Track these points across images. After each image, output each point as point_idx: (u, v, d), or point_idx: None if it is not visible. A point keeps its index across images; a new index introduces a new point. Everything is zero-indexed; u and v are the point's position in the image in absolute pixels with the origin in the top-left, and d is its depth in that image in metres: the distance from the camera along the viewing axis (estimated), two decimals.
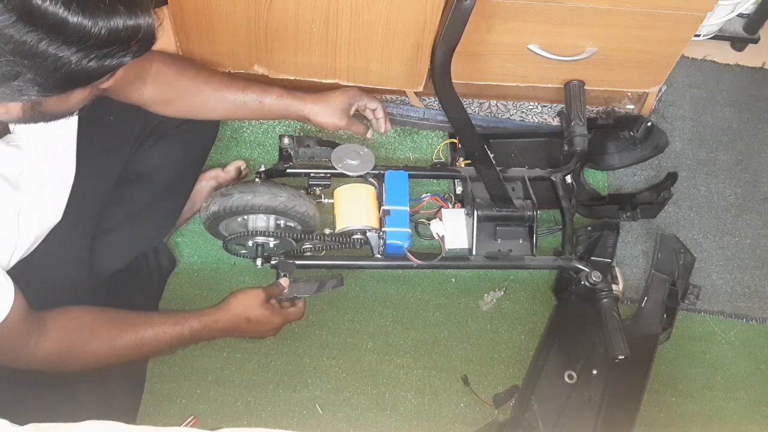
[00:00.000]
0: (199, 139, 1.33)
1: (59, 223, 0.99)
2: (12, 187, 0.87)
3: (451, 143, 1.55)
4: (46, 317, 0.95)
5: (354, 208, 1.31)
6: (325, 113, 1.27)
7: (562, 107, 1.54)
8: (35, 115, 0.75)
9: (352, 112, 1.32)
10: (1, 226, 0.87)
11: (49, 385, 1.02)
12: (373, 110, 1.35)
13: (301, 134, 1.49)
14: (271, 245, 1.31)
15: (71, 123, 0.97)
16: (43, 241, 0.97)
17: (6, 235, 0.87)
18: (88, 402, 1.06)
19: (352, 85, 1.48)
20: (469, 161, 1.41)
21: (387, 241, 1.28)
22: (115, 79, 0.76)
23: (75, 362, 0.99)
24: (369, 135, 1.38)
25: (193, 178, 1.35)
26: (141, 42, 0.70)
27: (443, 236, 1.37)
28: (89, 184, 1.11)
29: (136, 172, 1.22)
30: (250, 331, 1.20)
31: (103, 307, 1.05)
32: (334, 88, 1.48)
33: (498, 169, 1.36)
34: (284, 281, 1.25)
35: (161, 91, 1.12)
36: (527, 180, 1.43)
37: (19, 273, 0.89)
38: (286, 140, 1.34)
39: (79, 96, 0.76)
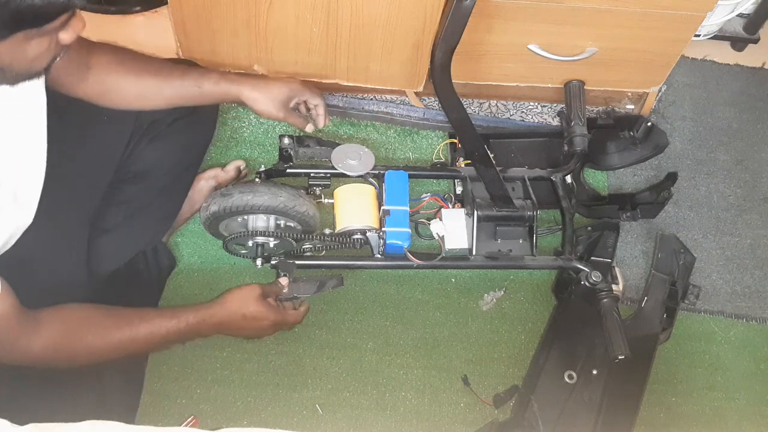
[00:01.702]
0: (196, 137, 1.33)
1: (56, 221, 0.99)
2: None
3: (451, 143, 1.55)
4: (39, 314, 0.94)
5: (354, 208, 1.31)
6: (263, 101, 1.23)
7: (562, 107, 1.54)
8: None
9: (291, 105, 1.28)
10: None
11: (46, 385, 1.02)
12: (315, 106, 1.32)
13: (301, 134, 1.49)
14: (271, 245, 1.31)
15: (40, 117, 0.95)
16: (39, 240, 0.96)
17: None
18: (85, 402, 1.05)
19: (349, 83, 1.48)
20: (469, 161, 1.41)
21: (387, 241, 1.28)
22: (75, 32, 0.75)
23: (71, 357, 0.99)
24: (309, 129, 1.34)
25: (190, 177, 1.35)
26: None
27: (443, 236, 1.37)
28: (85, 182, 1.11)
29: (133, 171, 1.22)
30: (246, 328, 1.18)
31: (98, 304, 1.04)
32: (333, 87, 1.49)
33: (498, 169, 1.36)
34: (284, 280, 1.24)
35: (102, 81, 1.10)
36: (527, 180, 1.43)
37: (15, 273, 0.89)
38: (286, 140, 1.34)
39: (36, 47, 0.74)
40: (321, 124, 1.35)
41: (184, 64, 1.22)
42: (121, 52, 1.14)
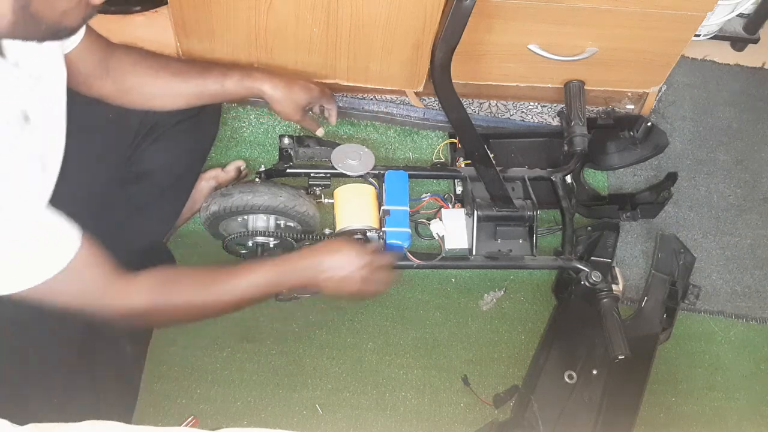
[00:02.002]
0: (199, 138, 1.33)
1: None
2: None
3: (451, 143, 1.55)
4: (135, 272, 0.95)
5: (354, 208, 1.31)
6: (283, 102, 1.25)
7: (562, 107, 1.54)
8: (26, 19, 0.73)
9: (307, 108, 1.32)
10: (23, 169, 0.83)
11: (42, 386, 1.02)
12: (328, 109, 1.36)
13: (301, 134, 1.49)
14: (271, 245, 1.31)
15: (61, 88, 0.95)
16: None
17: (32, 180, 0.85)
18: (80, 404, 1.05)
19: (349, 83, 1.48)
20: (469, 161, 1.41)
21: (387, 241, 1.28)
22: None
23: (169, 313, 0.99)
24: (320, 132, 1.38)
25: (193, 178, 1.35)
26: None
27: (443, 236, 1.37)
28: (85, 181, 1.11)
29: (135, 171, 1.22)
30: (337, 267, 1.11)
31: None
32: (333, 87, 1.49)
33: (498, 169, 1.36)
34: (375, 244, 1.21)
35: (121, 80, 1.11)
36: (527, 180, 1.43)
37: None
38: (286, 140, 1.34)
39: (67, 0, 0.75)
40: (332, 123, 1.39)
41: (203, 63, 1.22)
42: (141, 52, 1.15)
